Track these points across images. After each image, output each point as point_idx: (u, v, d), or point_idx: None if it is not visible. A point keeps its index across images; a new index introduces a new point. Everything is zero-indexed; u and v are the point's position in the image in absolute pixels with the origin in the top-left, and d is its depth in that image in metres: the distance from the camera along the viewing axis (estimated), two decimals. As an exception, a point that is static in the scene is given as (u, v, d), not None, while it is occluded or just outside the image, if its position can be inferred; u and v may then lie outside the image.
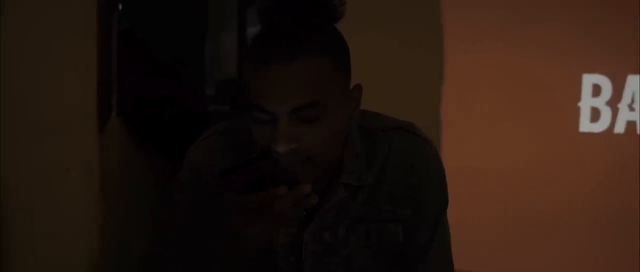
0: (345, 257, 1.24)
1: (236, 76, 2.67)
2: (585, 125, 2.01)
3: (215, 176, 1.20)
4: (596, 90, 2.00)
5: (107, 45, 2.14)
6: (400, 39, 2.01)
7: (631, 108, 1.99)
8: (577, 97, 2.01)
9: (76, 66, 2.00)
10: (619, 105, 1.99)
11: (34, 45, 1.93)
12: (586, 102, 2.01)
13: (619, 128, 1.99)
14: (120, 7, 2.34)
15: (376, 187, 1.23)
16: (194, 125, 2.62)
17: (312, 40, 1.09)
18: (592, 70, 2.00)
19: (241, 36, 2.57)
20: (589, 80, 2.00)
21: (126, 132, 2.31)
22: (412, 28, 2.00)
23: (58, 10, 1.97)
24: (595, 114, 2.01)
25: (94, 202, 2.07)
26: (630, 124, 1.99)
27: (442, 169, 1.27)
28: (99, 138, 2.07)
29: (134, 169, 2.39)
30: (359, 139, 1.22)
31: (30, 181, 1.97)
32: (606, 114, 2.00)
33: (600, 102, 2.00)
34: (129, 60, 2.34)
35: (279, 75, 1.07)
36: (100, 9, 2.04)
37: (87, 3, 1.99)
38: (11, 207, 1.99)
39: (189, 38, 2.66)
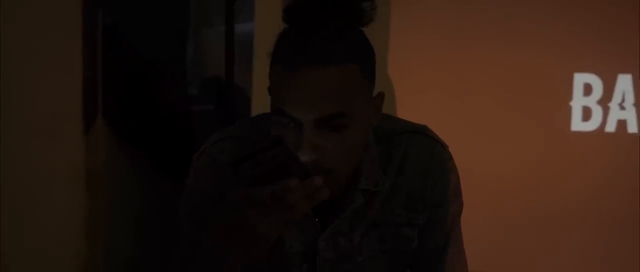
0: (359, 264, 1.22)
1: (222, 75, 2.64)
2: (577, 124, 2.02)
3: (225, 173, 1.17)
4: (587, 89, 2.01)
5: (92, 45, 2.11)
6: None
7: (622, 107, 1.99)
8: (569, 96, 2.01)
9: (61, 66, 1.97)
10: (610, 105, 2.00)
11: (19, 45, 1.89)
12: (577, 102, 2.01)
13: (610, 127, 2.00)
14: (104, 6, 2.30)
15: (392, 191, 1.21)
16: (179, 125, 2.60)
17: (344, 45, 1.05)
18: (583, 69, 2.00)
19: (228, 34, 2.53)
20: (580, 79, 2.01)
21: (112, 132, 2.27)
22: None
23: (42, 10, 1.93)
24: (586, 113, 2.02)
25: (80, 203, 2.04)
26: (621, 123, 2.00)
27: (456, 173, 1.25)
28: (85, 139, 2.04)
29: (120, 169, 2.35)
30: (374, 143, 1.20)
31: (16, 182, 1.93)
32: (597, 113, 2.01)
33: (592, 101, 2.01)
34: (114, 60, 2.30)
35: (308, 81, 1.02)
36: (85, 8, 2.00)
37: (72, 2, 1.96)
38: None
39: (172, 37, 2.62)
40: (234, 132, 1.22)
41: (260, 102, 1.90)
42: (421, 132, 1.24)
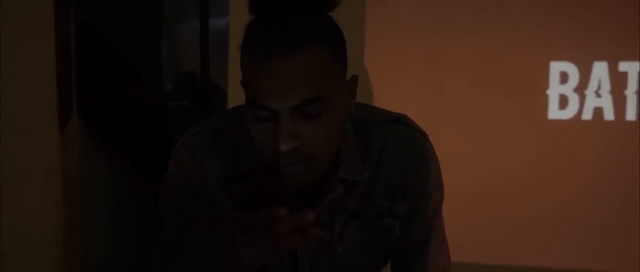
0: (340, 254, 1.22)
1: (195, 70, 2.63)
2: (554, 112, 2.02)
3: (203, 165, 1.15)
4: (564, 77, 2.01)
5: (65, 43, 2.08)
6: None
7: (598, 94, 2.00)
8: (545, 84, 2.02)
9: (35, 65, 1.94)
10: (586, 92, 2.01)
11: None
12: (554, 90, 2.02)
13: (587, 115, 2.00)
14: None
15: (371, 181, 1.20)
16: (155, 122, 2.58)
17: (312, 30, 1.03)
18: (559, 57, 2.01)
19: (202, 28, 2.52)
20: (556, 67, 2.01)
21: (88, 131, 2.25)
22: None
23: (15, 9, 1.91)
24: (563, 101, 2.02)
25: (56, 202, 2.01)
26: (598, 111, 2.00)
27: (437, 162, 1.24)
28: (61, 137, 2.02)
29: (97, 167, 2.33)
30: (353, 132, 1.19)
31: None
32: (574, 101, 2.01)
33: (568, 89, 2.01)
34: (88, 58, 2.28)
35: (281, 68, 1.01)
36: (57, 6, 1.98)
37: (44, 2, 1.93)
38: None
39: (146, 34, 2.60)
40: (211, 125, 1.21)
41: (236, 97, 1.88)
42: (400, 121, 1.22)
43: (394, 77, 2.05)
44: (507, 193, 2.06)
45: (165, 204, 1.21)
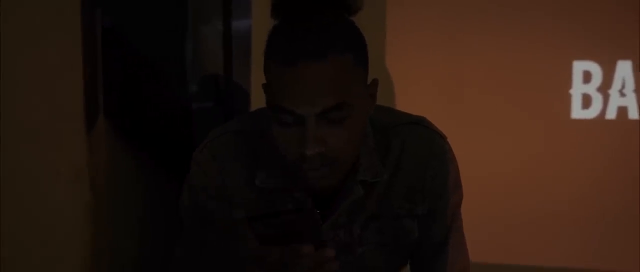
0: (359, 255, 1.23)
1: (219, 72, 2.66)
2: (577, 112, 2.02)
3: (225, 168, 1.17)
4: (587, 76, 2.01)
5: (91, 45, 2.11)
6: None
7: (622, 94, 1.99)
8: (568, 84, 2.01)
9: (62, 67, 1.97)
10: (610, 91, 2.00)
11: (19, 46, 1.90)
12: (577, 89, 2.01)
13: (611, 114, 2.00)
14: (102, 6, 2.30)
15: (391, 183, 1.21)
16: (179, 123, 2.61)
17: (336, 35, 1.05)
18: (582, 57, 2.00)
19: (225, 30, 2.54)
20: (579, 67, 2.01)
21: (114, 131, 2.28)
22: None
23: (42, 11, 1.94)
24: (586, 101, 2.02)
25: (84, 202, 2.04)
26: (622, 110, 1.99)
27: (456, 164, 1.25)
28: (88, 139, 2.05)
29: (123, 168, 2.36)
30: (372, 135, 1.20)
31: (21, 183, 1.94)
32: (597, 100, 2.01)
33: (591, 89, 2.01)
34: (114, 60, 2.31)
35: (307, 74, 1.02)
36: (84, 8, 2.01)
37: (71, 3, 1.96)
38: (2, 211, 1.96)
39: (171, 35, 2.63)
40: (234, 127, 1.22)
41: (259, 99, 1.90)
42: (419, 124, 1.23)
43: (415, 78, 2.05)
44: (531, 194, 2.06)
45: (185, 205, 1.22)
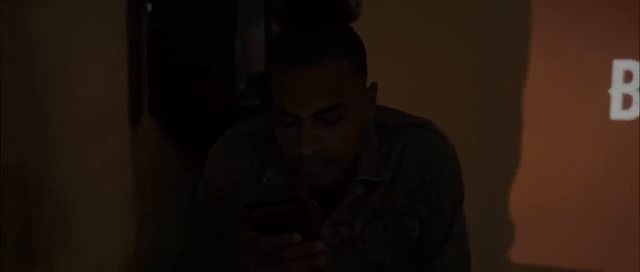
0: (362, 252, 1.27)
1: (264, 70, 2.72)
2: (617, 112, 1.99)
3: (236, 165, 1.22)
4: (627, 76, 1.98)
5: (137, 45, 2.17)
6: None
7: (664, 94, 1.96)
8: (608, 84, 1.99)
9: (107, 67, 2.04)
10: (652, 92, 1.97)
11: (66, 47, 1.97)
12: (617, 89, 1.99)
13: (652, 115, 1.97)
14: (149, 7, 2.37)
15: (393, 182, 1.25)
16: (225, 121, 2.66)
17: (333, 43, 1.10)
18: (623, 56, 1.97)
19: (268, 31, 2.60)
20: (620, 66, 1.98)
21: (158, 130, 2.35)
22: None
23: (88, 12, 2.00)
24: (626, 101, 1.99)
25: (128, 199, 2.11)
26: (663, 111, 1.96)
27: (458, 165, 1.29)
28: (132, 136, 2.11)
29: (167, 166, 2.42)
30: (376, 135, 1.24)
31: (67, 180, 2.01)
32: (638, 100, 1.98)
33: (632, 89, 1.98)
34: (160, 59, 2.37)
35: (302, 78, 1.09)
36: (129, 9, 2.07)
37: (116, 4, 2.02)
38: (50, 206, 2.03)
39: (219, 34, 2.69)
40: (245, 128, 1.29)
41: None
42: (424, 126, 1.28)
43: (453, 77, 2.05)
44: (569, 194, 2.04)
45: (200, 199, 1.29)
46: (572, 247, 2.04)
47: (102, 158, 2.08)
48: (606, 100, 1.98)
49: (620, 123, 1.98)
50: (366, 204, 1.25)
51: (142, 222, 2.20)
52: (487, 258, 1.75)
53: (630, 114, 1.98)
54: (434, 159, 1.26)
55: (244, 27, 2.93)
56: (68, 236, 2.06)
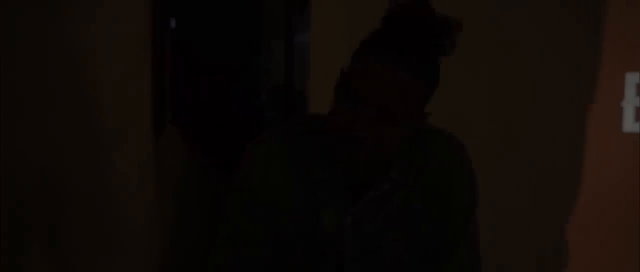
0: (382, 248, 1.34)
1: (286, 83, 2.77)
2: (629, 125, 2.01)
3: (272, 166, 1.31)
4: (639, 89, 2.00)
5: (161, 57, 2.24)
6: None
7: (676, 107, 1.97)
8: (620, 96, 2.00)
9: (132, 77, 2.10)
10: (664, 104, 1.98)
11: (92, 57, 2.04)
12: (629, 102, 2.00)
13: (663, 127, 1.98)
14: (173, 22, 2.44)
15: (413, 186, 1.33)
16: (246, 132, 2.72)
17: (421, 65, 1.23)
18: (635, 68, 1.99)
19: (289, 45, 2.66)
20: (632, 79, 2.00)
21: (182, 140, 2.40)
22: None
23: (112, 20, 2.07)
24: (638, 114, 2.00)
25: (151, 204, 2.16)
26: (675, 123, 1.97)
27: (473, 172, 1.37)
28: (155, 144, 2.17)
29: (190, 176, 2.47)
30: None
31: (93, 186, 2.08)
32: (650, 113, 1.99)
33: (644, 101, 1.99)
34: (184, 70, 2.44)
35: (384, 75, 1.20)
36: (154, 22, 2.14)
37: (141, 17, 2.09)
38: (76, 211, 2.10)
39: (243, 46, 2.75)
40: (281, 130, 1.35)
41: (318, 107, 1.98)
42: (442, 134, 1.36)
43: (463, 86, 2.07)
44: (579, 206, 2.06)
45: (233, 197, 1.34)
46: (583, 258, 2.05)
47: (126, 166, 2.14)
48: (618, 112, 2.01)
49: (632, 136, 2.00)
50: (390, 201, 1.33)
51: (165, 229, 2.25)
52: (493, 263, 1.78)
53: (641, 127, 2.00)
54: (452, 166, 1.34)
55: (267, 42, 2.99)
56: (92, 243, 2.12)
